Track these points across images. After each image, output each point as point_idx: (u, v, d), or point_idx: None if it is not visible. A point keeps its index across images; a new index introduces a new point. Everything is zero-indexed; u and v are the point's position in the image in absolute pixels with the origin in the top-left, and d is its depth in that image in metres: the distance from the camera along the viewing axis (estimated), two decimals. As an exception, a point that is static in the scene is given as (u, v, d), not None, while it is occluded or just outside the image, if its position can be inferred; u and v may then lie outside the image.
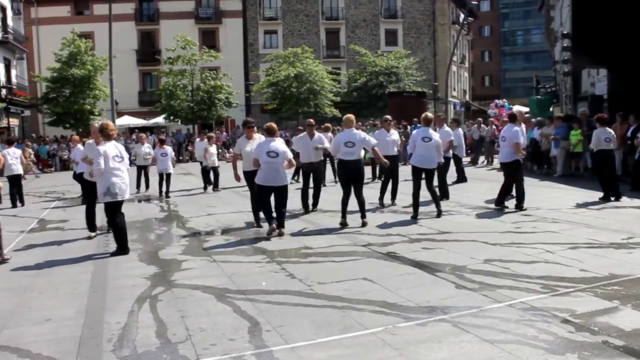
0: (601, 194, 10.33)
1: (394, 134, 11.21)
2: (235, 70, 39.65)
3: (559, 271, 5.64)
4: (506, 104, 25.85)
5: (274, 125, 8.43)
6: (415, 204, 9.34)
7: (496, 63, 62.51)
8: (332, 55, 42.85)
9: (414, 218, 9.19)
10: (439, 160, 9.69)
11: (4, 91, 31.56)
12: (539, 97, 21.12)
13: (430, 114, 9.76)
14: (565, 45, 18.74)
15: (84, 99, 29.09)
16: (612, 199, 10.17)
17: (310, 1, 42.41)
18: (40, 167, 25.78)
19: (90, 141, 9.28)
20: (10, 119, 33.37)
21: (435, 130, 11.35)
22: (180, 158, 30.76)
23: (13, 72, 35.18)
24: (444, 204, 10.05)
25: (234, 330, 4.46)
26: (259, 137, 9.42)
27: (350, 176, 8.79)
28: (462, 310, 4.60)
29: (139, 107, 40.06)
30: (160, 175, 14.11)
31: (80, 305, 5.34)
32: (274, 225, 8.18)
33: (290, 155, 8.38)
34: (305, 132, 10.76)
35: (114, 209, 7.71)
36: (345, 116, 9.17)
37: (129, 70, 40.12)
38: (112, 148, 7.69)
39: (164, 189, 14.10)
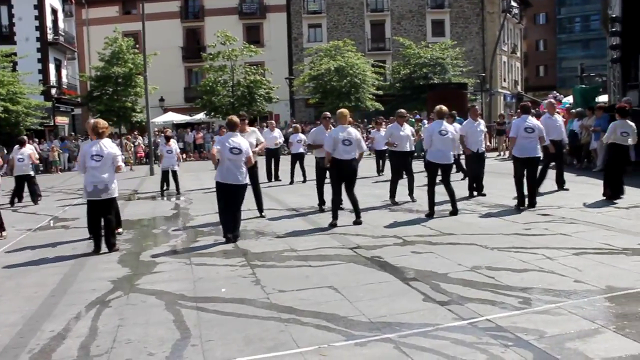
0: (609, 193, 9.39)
1: (407, 129, 10.54)
2: (279, 65, 39.52)
3: (549, 282, 4.94)
4: (564, 100, 24.28)
5: (236, 119, 7.93)
6: (431, 201, 8.72)
7: (551, 52, 59.36)
8: (377, 48, 41.96)
9: (429, 216, 8.58)
10: (456, 153, 9.02)
11: (53, 90, 32.65)
12: (584, 86, 19.68)
13: (444, 107, 9.06)
14: (614, 29, 17.34)
15: (125, 96, 29.61)
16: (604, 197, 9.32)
17: (354, -7, 41.69)
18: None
19: (88, 141, 9.17)
20: (60, 117, 34.56)
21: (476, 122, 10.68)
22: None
23: (64, 72, 36.42)
24: (467, 202, 9.35)
25: (160, 344, 4.10)
26: (252, 130, 9.07)
27: (345, 176, 8.25)
28: (416, 327, 4.03)
29: (185, 104, 40.58)
30: (165, 172, 13.94)
31: (29, 311, 5.12)
32: (229, 236, 7.65)
33: (250, 152, 7.83)
34: (321, 125, 10.28)
35: (91, 208, 7.52)
36: (338, 111, 8.64)
37: (174, 67, 40.80)
38: (94, 146, 7.48)
39: (172, 186, 13.94)
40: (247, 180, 7.85)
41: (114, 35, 30.14)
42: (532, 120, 8.91)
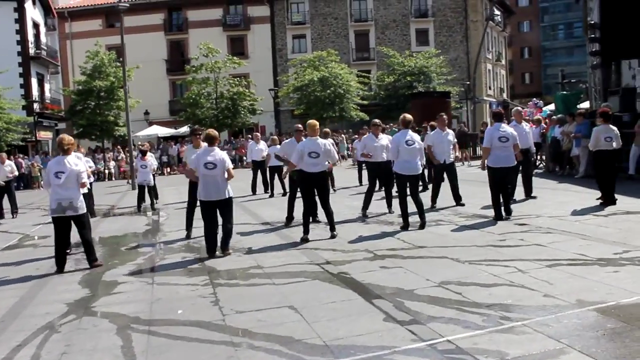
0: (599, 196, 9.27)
1: (383, 139, 10.34)
2: (264, 76, 39.42)
3: (518, 297, 4.73)
4: (545, 107, 24.30)
5: (213, 133, 7.71)
6: (405, 213, 8.49)
7: (536, 59, 59.81)
8: (362, 58, 41.93)
9: (404, 228, 8.35)
10: (422, 163, 8.81)
11: (35, 105, 32.25)
12: (565, 92, 19.65)
13: (408, 115, 8.86)
14: (592, 36, 17.37)
15: (108, 110, 29.29)
16: (600, 202, 9.19)
17: (338, 4, 41.64)
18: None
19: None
20: (43, 132, 34.14)
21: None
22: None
23: (47, 86, 36.04)
24: (444, 212, 9.15)
25: (101, 374, 3.84)
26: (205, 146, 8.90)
27: (314, 188, 8.04)
28: (372, 351, 3.80)
29: (170, 117, 40.27)
30: (141, 188, 13.68)
31: (-28, 338, 4.83)
32: (218, 250, 7.49)
33: (230, 164, 7.60)
34: (293, 138, 10.08)
35: (56, 225, 7.32)
36: (308, 122, 8.45)
37: (159, 79, 40.52)
38: (58, 163, 7.25)
39: (147, 201, 13.68)
40: (229, 194, 7.52)
41: (96, 48, 29.84)
42: (505, 129, 8.74)
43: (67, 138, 7.59)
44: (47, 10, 37.07)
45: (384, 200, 10.38)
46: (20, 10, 32.45)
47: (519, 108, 11.56)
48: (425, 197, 9.63)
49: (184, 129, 35.47)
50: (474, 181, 14.74)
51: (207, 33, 39.29)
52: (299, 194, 8.75)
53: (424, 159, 9.18)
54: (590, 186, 12.05)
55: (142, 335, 4.62)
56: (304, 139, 9.81)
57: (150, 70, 39.42)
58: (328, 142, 8.43)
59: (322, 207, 8.17)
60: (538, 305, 4.47)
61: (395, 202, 10.15)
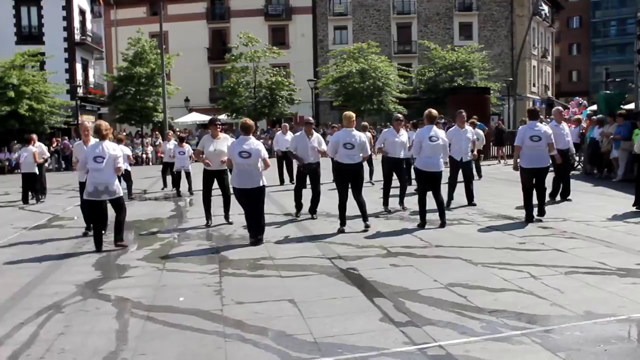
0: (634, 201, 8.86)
1: (404, 135, 10.12)
2: (305, 67, 39.39)
3: (524, 304, 4.53)
4: (585, 103, 23.36)
5: (249, 122, 7.73)
6: (422, 211, 8.30)
7: (585, 56, 57.66)
8: (404, 51, 41.40)
9: (421, 227, 8.17)
10: (444, 160, 8.58)
11: (79, 90, 33.15)
12: (608, 92, 18.81)
13: (434, 110, 8.62)
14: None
15: (148, 96, 29.83)
16: (635, 209, 8.74)
17: (381, -5, 41.25)
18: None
19: (79, 142, 9.11)
20: (86, 116, 35.04)
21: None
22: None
23: (91, 72, 36.98)
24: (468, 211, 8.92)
25: (92, 354, 3.93)
26: (224, 137, 8.90)
27: (349, 180, 8.00)
28: (360, 351, 3.71)
29: (210, 104, 40.76)
30: (178, 173, 13.90)
31: (-20, 315, 4.97)
32: (251, 239, 7.53)
33: (265, 154, 7.60)
34: (302, 131, 9.95)
35: (91, 208, 7.67)
36: (344, 113, 8.35)
37: (200, 67, 41.10)
38: (97, 148, 7.44)
39: (185, 186, 13.88)
40: (262, 183, 7.53)
41: (137, 35, 30.40)
42: (540, 127, 8.38)
43: (104, 124, 7.79)
44: (93, -3, 37.97)
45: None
46: (68, -3, 33.31)
47: (560, 107, 11.08)
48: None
49: (223, 117, 35.84)
50: (505, 180, 14.37)
51: (249, 22, 39.54)
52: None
53: (447, 156, 8.93)
54: (627, 191, 11.54)
55: (139, 320, 4.65)
56: (314, 133, 9.71)
57: (192, 58, 40.01)
58: (363, 135, 8.36)
59: (355, 198, 8.11)
60: (543, 315, 4.27)
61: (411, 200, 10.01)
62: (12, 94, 25.96)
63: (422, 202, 8.32)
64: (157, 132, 30.29)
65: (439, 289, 5.08)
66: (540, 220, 8.22)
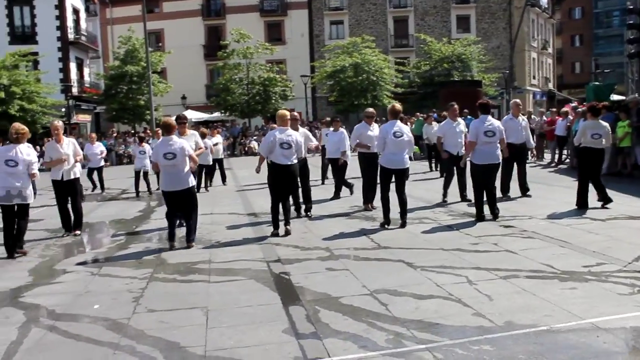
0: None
1: (376, 129, 9.79)
2: (301, 63, 39.03)
3: (445, 314, 4.22)
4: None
5: (170, 121, 7.37)
6: (386, 209, 7.97)
7: (588, 48, 56.77)
8: (401, 45, 40.90)
9: (385, 225, 7.85)
10: (409, 156, 8.27)
11: (74, 89, 33.02)
12: (597, 83, 18.32)
13: (397, 105, 8.29)
14: (631, 22, 16.15)
15: (140, 94, 29.63)
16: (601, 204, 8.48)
17: (377, -11, 40.75)
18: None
19: (51, 141, 8.84)
20: (82, 115, 34.97)
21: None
22: (236, 153, 30.71)
23: (86, 71, 36.84)
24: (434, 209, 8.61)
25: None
26: (191, 134, 8.61)
27: (284, 181, 7.63)
28: (244, 369, 3.41)
29: (207, 101, 40.53)
30: (137, 173, 13.68)
31: None
32: (175, 243, 7.25)
33: (191, 151, 7.24)
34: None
35: (3, 213, 7.25)
36: (277, 112, 8.01)
37: (197, 65, 40.83)
38: (9, 152, 7.12)
39: (143, 187, 13.72)
40: (191, 184, 7.27)
41: (128, 34, 30.19)
42: (492, 122, 8.05)
43: (17, 126, 7.35)
44: (87, -4, 37.80)
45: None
46: (60, -4, 33.15)
47: (517, 100, 10.69)
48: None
49: (216, 114, 35.64)
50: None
51: (244, 18, 39.23)
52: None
53: (412, 152, 8.58)
54: (610, 186, 11.15)
55: (41, 330, 4.43)
56: (299, 127, 9.39)
57: (188, 56, 39.79)
58: (299, 135, 8.05)
59: (282, 201, 7.77)
60: (459, 326, 3.95)
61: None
62: (2, 94, 25.84)
63: (385, 200, 7.98)
64: (148, 131, 30.10)
65: (363, 295, 4.77)
66: (494, 221, 7.88)
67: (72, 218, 8.59)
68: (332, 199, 10.78)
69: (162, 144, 7.22)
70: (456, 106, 10.43)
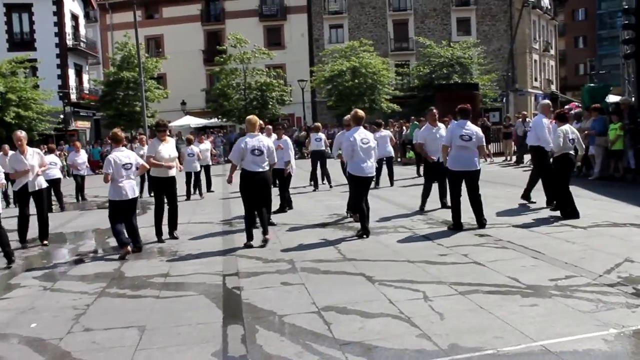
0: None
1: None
2: (301, 67, 38.82)
3: (388, 335, 3.94)
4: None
5: (118, 133, 7.35)
6: (362, 218, 7.69)
7: (591, 49, 56.16)
8: (401, 48, 40.59)
9: (363, 235, 7.56)
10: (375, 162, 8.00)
11: (73, 96, 32.99)
12: (592, 84, 17.97)
13: (360, 111, 8.03)
14: (626, 22, 15.75)
15: (135, 100, 29.52)
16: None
17: (376, -8, 40.49)
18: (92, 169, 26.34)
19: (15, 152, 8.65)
20: (81, 122, 34.93)
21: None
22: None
23: (85, 77, 36.84)
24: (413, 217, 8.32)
25: None
26: (171, 141, 8.45)
27: (256, 189, 7.37)
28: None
29: (206, 107, 40.40)
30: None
31: None
32: (129, 248, 7.20)
33: (139, 160, 7.45)
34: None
35: None
36: (247, 118, 7.76)
37: (196, 70, 40.73)
38: None
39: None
40: (136, 193, 7.51)
41: (124, 39, 30.13)
42: (470, 127, 7.76)
43: (15, 134, 7.37)
44: (86, 2, 37.80)
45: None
46: (59, 2, 33.15)
47: (548, 101, 9.91)
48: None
49: (214, 120, 35.49)
50: (485, 181, 13.68)
51: (244, 23, 39.12)
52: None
53: (377, 158, 8.29)
54: (599, 191, 10.89)
55: (-32, 353, 4.18)
56: (273, 135, 9.21)
57: (187, 61, 39.74)
58: (270, 141, 7.83)
59: (258, 210, 7.54)
60: (398, 350, 3.67)
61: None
62: (-2, 101, 25.80)
63: (360, 209, 7.73)
64: (142, 137, 29.96)
65: (309, 313, 4.50)
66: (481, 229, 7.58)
67: (39, 229, 8.40)
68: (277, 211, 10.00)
69: (121, 156, 7.37)
70: (435, 111, 10.13)
